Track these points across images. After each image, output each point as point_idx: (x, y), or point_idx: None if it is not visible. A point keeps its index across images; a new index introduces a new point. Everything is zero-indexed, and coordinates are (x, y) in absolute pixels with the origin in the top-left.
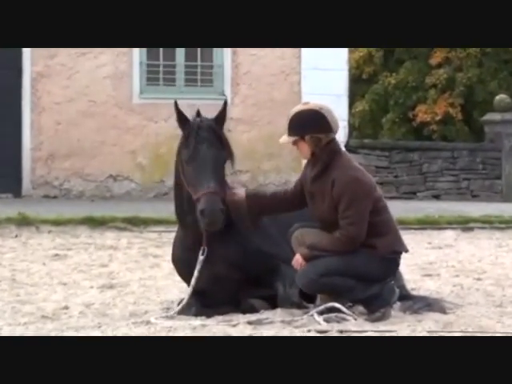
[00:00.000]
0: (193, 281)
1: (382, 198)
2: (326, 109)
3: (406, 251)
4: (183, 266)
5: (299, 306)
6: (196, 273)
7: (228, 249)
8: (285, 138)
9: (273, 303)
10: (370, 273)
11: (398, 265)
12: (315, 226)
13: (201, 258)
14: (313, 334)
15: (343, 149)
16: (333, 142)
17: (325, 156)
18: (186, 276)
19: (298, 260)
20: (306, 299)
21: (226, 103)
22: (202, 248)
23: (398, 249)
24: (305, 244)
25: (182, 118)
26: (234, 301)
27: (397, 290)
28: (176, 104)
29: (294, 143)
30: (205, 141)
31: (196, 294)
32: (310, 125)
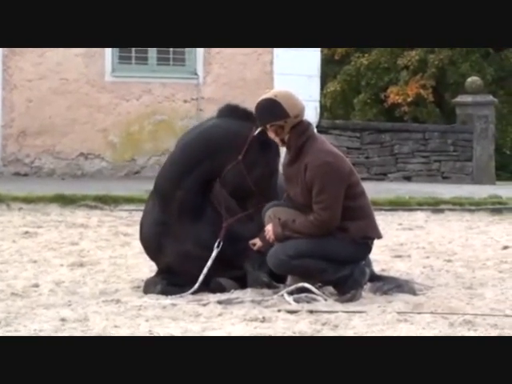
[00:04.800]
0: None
1: (360, 184)
2: (283, 95)
3: (379, 238)
4: (153, 241)
5: (269, 286)
6: (210, 261)
7: (198, 227)
8: (257, 129)
9: (242, 284)
10: (340, 255)
11: (369, 249)
12: (289, 205)
13: (216, 250)
14: (283, 313)
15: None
16: (300, 126)
17: (294, 141)
18: (155, 251)
19: (268, 231)
20: (275, 279)
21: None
22: (217, 241)
23: (371, 234)
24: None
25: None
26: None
27: (367, 272)
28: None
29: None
30: None
31: (163, 271)
32: (265, 114)
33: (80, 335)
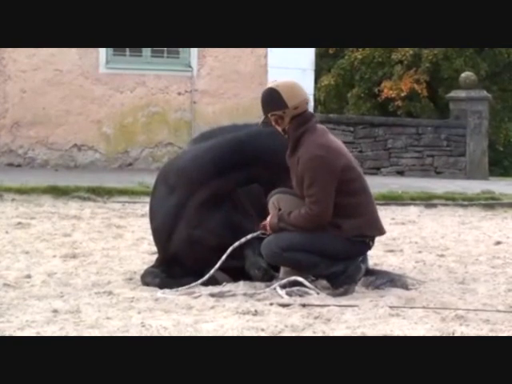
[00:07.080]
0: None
1: (360, 180)
2: (285, 85)
3: (380, 235)
4: (168, 225)
5: (266, 272)
6: (243, 239)
7: (213, 215)
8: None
9: (239, 275)
10: (333, 251)
11: (367, 247)
12: (293, 193)
13: (252, 234)
14: (275, 307)
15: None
16: (300, 118)
17: (292, 132)
18: (166, 238)
19: (265, 225)
20: (273, 268)
21: None
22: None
23: (367, 233)
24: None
25: None
26: (201, 272)
27: (363, 267)
28: None
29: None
30: None
31: (164, 263)
32: (266, 104)
33: (72, 326)
